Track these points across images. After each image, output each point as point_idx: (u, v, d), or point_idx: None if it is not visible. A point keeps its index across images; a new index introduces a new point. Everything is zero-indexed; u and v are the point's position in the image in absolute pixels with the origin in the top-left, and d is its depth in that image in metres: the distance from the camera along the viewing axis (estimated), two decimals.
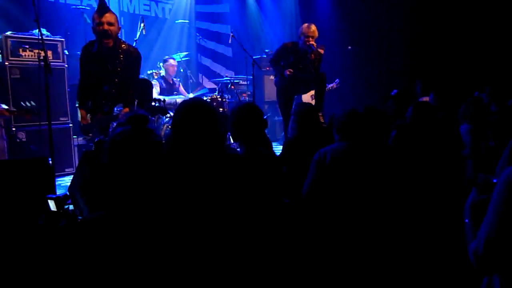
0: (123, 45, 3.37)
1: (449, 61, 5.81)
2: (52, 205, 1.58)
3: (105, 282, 1.13)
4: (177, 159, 1.62)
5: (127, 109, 3.25)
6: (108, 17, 3.29)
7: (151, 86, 4.24)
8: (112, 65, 3.30)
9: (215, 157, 1.66)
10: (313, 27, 4.70)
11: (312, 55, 4.72)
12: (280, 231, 2.19)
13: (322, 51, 4.76)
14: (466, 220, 1.45)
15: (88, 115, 3.36)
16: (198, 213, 1.48)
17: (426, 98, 4.95)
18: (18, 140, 4.06)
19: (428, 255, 2.29)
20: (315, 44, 4.68)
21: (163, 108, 3.63)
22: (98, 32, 3.26)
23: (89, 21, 5.04)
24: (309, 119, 2.97)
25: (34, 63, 3.97)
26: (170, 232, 1.29)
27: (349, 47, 5.96)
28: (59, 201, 1.56)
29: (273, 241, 2.05)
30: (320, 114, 4.67)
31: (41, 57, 3.28)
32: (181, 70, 6.31)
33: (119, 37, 3.46)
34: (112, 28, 3.25)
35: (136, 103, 3.36)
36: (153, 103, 3.86)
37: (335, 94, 5.72)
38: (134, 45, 3.97)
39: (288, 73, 4.66)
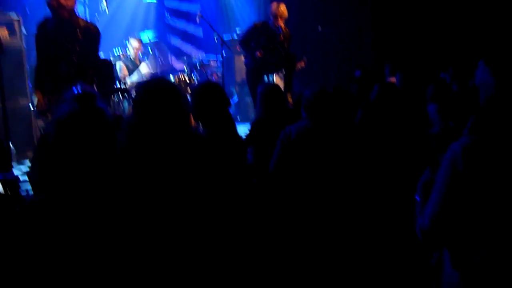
0: (80, 22, 3.21)
1: (416, 42, 5.89)
2: (0, 187, 1.50)
3: (44, 270, 1.09)
4: (139, 139, 1.58)
5: None
6: None
7: (112, 67, 4.10)
8: (69, 43, 3.15)
9: (179, 138, 1.62)
10: (282, 7, 4.62)
11: (281, 35, 4.67)
12: (249, 210, 2.19)
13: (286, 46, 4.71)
14: (417, 198, 1.49)
15: (47, 97, 3.23)
16: (161, 195, 1.45)
17: (393, 79, 5.02)
18: None
19: (390, 232, 2.35)
20: (283, 25, 4.63)
21: (125, 89, 3.52)
22: (52, 7, 3.09)
23: None
24: (274, 99, 2.96)
25: None
26: (129, 214, 1.26)
27: (319, 28, 5.93)
28: (6, 184, 1.48)
29: (242, 220, 2.05)
30: (289, 94, 4.68)
31: None
32: (150, 52, 6.14)
33: (76, 13, 3.30)
34: (68, 3, 3.09)
35: (96, 84, 3.25)
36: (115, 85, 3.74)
37: (305, 75, 5.72)
38: (96, 23, 3.81)
39: (258, 55, 4.61)
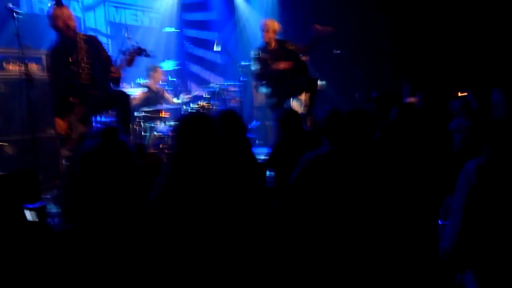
0: (82, 35, 3.58)
1: (435, 63, 5.86)
2: (29, 215, 1.57)
3: None
4: (183, 170, 1.68)
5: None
6: (68, 12, 3.51)
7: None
8: (76, 55, 3.50)
9: (219, 168, 1.72)
10: (267, 21, 4.72)
11: (281, 52, 4.63)
12: (270, 232, 2.20)
13: (291, 47, 4.69)
14: (440, 222, 1.47)
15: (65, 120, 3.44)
16: (195, 219, 1.52)
17: (412, 99, 4.99)
18: (4, 154, 4.05)
19: (412, 254, 2.29)
20: (272, 39, 4.64)
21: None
22: (59, 28, 3.45)
23: None
24: (291, 124, 2.99)
25: (19, 76, 3.98)
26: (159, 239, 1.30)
27: (336, 51, 5.99)
28: (36, 211, 1.55)
29: (265, 242, 2.06)
30: (309, 117, 4.67)
31: (23, 71, 3.32)
32: (169, 78, 6.32)
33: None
34: (71, 23, 3.47)
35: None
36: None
37: (323, 98, 5.75)
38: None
39: (278, 67, 4.53)
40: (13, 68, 4.23)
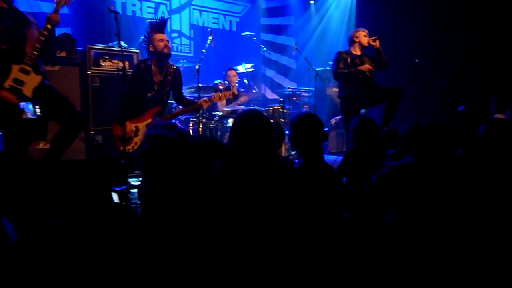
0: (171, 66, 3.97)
1: None
2: (115, 197, 1.70)
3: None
4: (232, 165, 1.73)
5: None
6: (165, 37, 3.79)
7: None
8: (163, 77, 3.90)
9: (268, 167, 1.74)
10: (358, 31, 4.73)
11: (364, 59, 4.64)
12: (339, 243, 2.17)
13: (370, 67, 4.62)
14: None
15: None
16: (248, 219, 1.55)
17: (501, 116, 4.61)
18: (95, 143, 4.43)
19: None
20: (358, 49, 4.67)
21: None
22: (160, 51, 3.75)
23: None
24: (368, 133, 2.92)
25: (113, 72, 4.34)
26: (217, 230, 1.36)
27: (416, 60, 5.74)
28: (121, 194, 1.69)
29: (330, 252, 2.04)
30: (386, 128, 4.51)
31: (120, 67, 3.61)
32: (245, 81, 6.49)
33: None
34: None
35: None
36: None
37: (400, 109, 5.53)
38: (202, 56, 4.26)
39: (361, 68, 4.53)
40: (107, 64, 4.62)
